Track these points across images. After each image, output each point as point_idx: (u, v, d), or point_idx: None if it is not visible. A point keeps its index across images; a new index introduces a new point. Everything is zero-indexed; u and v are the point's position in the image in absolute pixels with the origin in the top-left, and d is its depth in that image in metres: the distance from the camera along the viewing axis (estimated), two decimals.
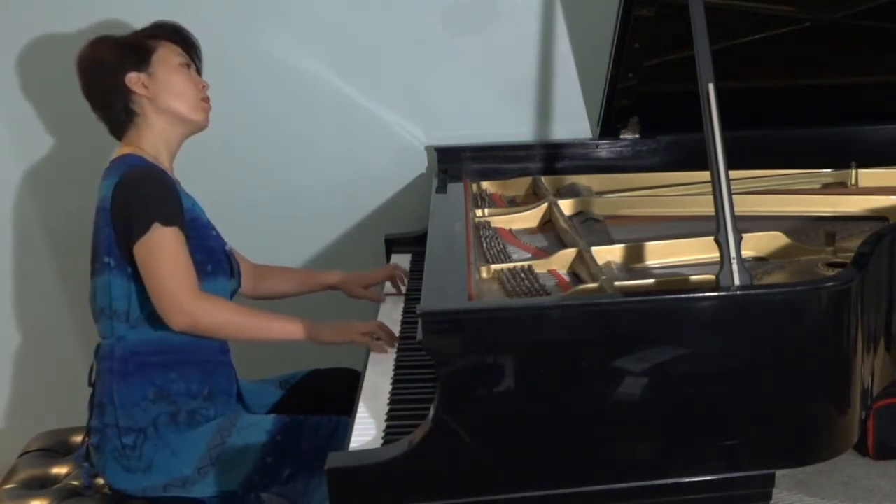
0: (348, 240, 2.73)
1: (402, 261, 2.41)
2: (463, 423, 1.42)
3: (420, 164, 2.68)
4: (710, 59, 1.58)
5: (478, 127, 2.63)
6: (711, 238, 1.54)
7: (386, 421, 1.61)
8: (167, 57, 1.95)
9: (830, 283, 1.52)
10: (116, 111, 1.92)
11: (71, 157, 2.62)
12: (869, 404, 1.63)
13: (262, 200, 2.68)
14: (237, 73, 2.52)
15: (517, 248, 2.04)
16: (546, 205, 2.21)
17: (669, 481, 1.48)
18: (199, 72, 2.03)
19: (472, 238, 1.92)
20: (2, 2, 2.54)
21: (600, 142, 2.56)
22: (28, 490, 1.97)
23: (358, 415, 1.64)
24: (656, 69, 2.37)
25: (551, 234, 2.14)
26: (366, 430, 1.58)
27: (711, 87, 1.56)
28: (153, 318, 1.86)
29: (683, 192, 2.30)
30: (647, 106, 2.49)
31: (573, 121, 2.65)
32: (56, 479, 2.01)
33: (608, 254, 1.87)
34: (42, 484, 2.00)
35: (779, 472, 1.52)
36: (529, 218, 2.21)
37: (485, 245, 2.01)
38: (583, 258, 1.83)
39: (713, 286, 1.51)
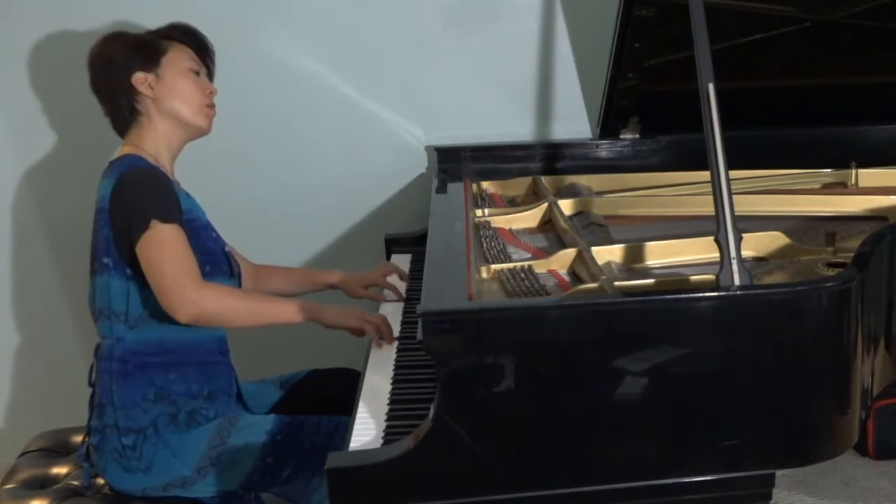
0: (348, 240, 2.73)
1: (402, 261, 2.40)
2: (463, 423, 1.42)
3: (420, 164, 2.68)
4: (710, 59, 1.58)
5: (478, 127, 2.63)
6: (711, 238, 1.54)
7: (386, 421, 1.61)
8: (177, 59, 1.95)
9: (830, 283, 1.52)
10: (121, 109, 1.92)
11: (71, 156, 2.62)
12: (869, 404, 1.63)
13: (262, 200, 2.68)
14: (237, 73, 2.52)
15: (517, 248, 2.04)
16: (546, 205, 2.21)
17: (669, 481, 1.48)
18: (210, 76, 2.03)
19: (472, 238, 1.92)
20: (3, 2, 2.54)
21: (600, 142, 2.56)
22: (28, 490, 1.96)
23: (358, 415, 1.64)
24: (656, 69, 2.37)
25: (551, 234, 2.14)
26: (366, 430, 1.58)
27: (711, 87, 1.56)
28: (152, 318, 1.86)
29: (683, 192, 2.29)
30: (647, 106, 2.49)
31: (573, 121, 2.65)
32: (56, 479, 2.01)
33: (608, 254, 1.87)
34: (42, 484, 2.00)
35: (779, 472, 1.52)
36: (529, 218, 2.21)
37: (485, 245, 2.01)
38: (583, 258, 1.83)
39: (713, 286, 1.51)
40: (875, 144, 2.52)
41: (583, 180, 2.45)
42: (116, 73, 1.91)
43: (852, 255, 1.63)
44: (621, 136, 2.56)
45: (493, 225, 2.16)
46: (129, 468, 1.85)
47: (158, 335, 1.87)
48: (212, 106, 1.99)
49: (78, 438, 2.11)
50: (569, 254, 1.88)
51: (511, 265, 1.86)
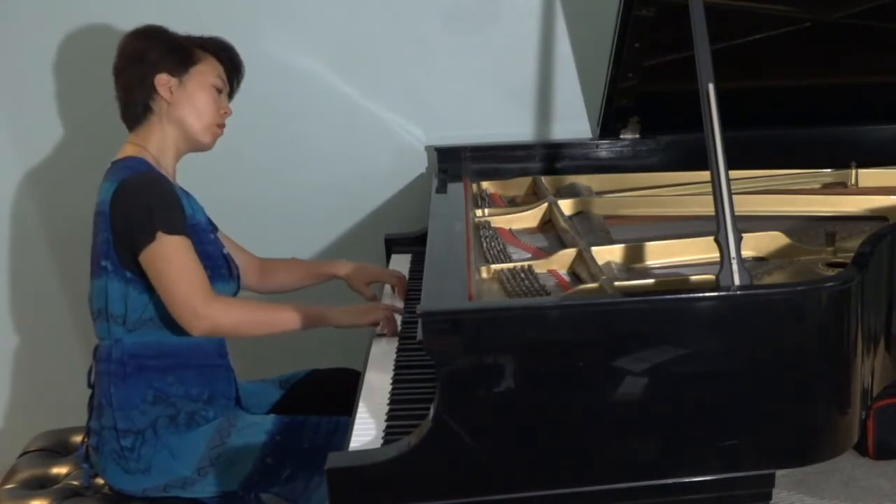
0: (348, 240, 2.73)
1: (402, 261, 2.41)
2: (463, 423, 1.42)
3: (420, 164, 2.68)
4: (710, 59, 1.58)
5: (478, 127, 2.63)
6: (711, 238, 1.54)
7: (386, 421, 1.61)
8: (205, 72, 1.95)
9: (830, 283, 1.52)
10: (135, 102, 1.92)
11: (72, 156, 2.62)
12: (869, 404, 1.63)
13: (262, 200, 2.68)
14: None
15: (517, 248, 2.04)
16: (546, 205, 2.21)
17: (669, 481, 1.48)
18: (230, 95, 2.03)
19: (472, 238, 1.92)
20: (3, 2, 2.54)
21: (600, 142, 2.56)
22: (28, 490, 1.96)
23: (358, 415, 1.64)
24: (656, 69, 2.37)
25: (551, 234, 2.14)
26: (366, 430, 1.58)
27: (711, 87, 1.56)
28: (150, 322, 1.86)
29: (683, 192, 2.29)
30: (647, 106, 2.49)
31: (573, 121, 2.65)
32: (56, 479, 2.01)
33: (608, 254, 1.87)
34: (42, 484, 2.00)
35: (779, 472, 1.52)
36: (529, 218, 2.21)
37: (485, 245, 2.01)
38: (583, 258, 1.83)
39: (713, 286, 1.51)
40: (875, 144, 2.52)
41: (583, 180, 2.45)
42: (143, 68, 1.90)
43: (852, 255, 1.63)
44: (621, 136, 2.56)
45: (493, 225, 2.16)
46: (128, 469, 1.85)
47: (156, 339, 1.87)
48: (221, 126, 1.99)
49: (78, 438, 2.11)
50: (569, 254, 1.88)
51: (511, 265, 1.86)
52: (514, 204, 2.41)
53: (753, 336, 1.47)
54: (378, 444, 1.53)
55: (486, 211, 2.24)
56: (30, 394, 2.81)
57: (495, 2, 2.58)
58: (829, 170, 2.41)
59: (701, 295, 1.50)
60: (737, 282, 1.49)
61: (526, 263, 1.86)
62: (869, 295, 1.57)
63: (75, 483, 1.97)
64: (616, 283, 1.66)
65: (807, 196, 2.25)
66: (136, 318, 1.86)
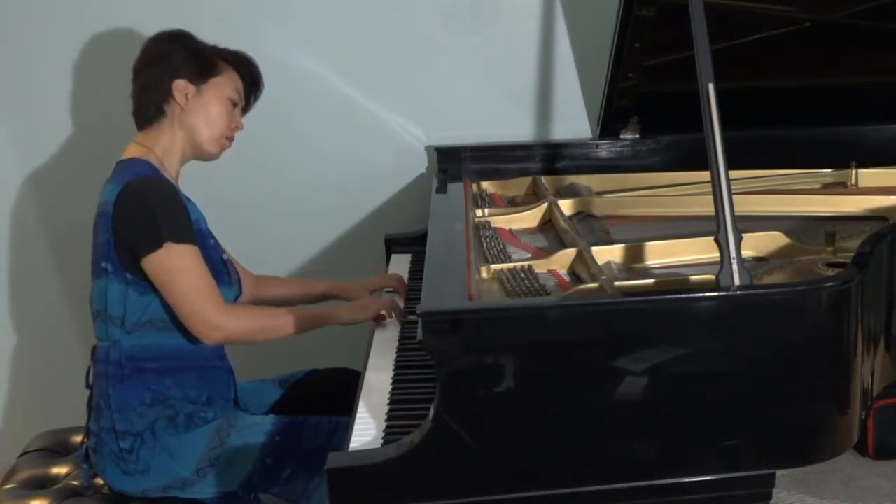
0: (348, 240, 2.73)
1: (402, 261, 2.41)
2: (463, 424, 1.42)
3: (420, 164, 2.68)
4: (710, 59, 1.58)
5: (478, 127, 2.63)
6: (711, 238, 1.54)
7: (386, 421, 1.61)
8: (224, 84, 1.95)
9: (830, 283, 1.52)
10: (149, 102, 1.92)
11: (72, 157, 2.62)
12: (869, 404, 1.63)
13: (262, 200, 2.68)
14: None
15: (517, 248, 2.04)
16: (546, 205, 2.21)
17: (669, 481, 1.48)
18: (245, 110, 2.03)
19: (472, 238, 1.92)
20: (3, 2, 2.54)
21: (600, 142, 2.56)
22: (28, 490, 1.96)
23: (358, 415, 1.64)
24: (656, 69, 2.37)
25: (551, 234, 2.14)
26: (366, 430, 1.58)
27: (711, 87, 1.56)
28: (148, 324, 1.86)
29: (683, 192, 2.29)
30: (647, 106, 2.48)
31: (573, 121, 2.65)
32: (56, 479, 2.01)
33: (608, 254, 1.87)
34: (42, 484, 2.00)
35: (779, 472, 1.52)
36: (529, 218, 2.21)
37: (485, 245, 2.01)
38: (583, 258, 1.83)
39: (713, 286, 1.51)
40: (875, 144, 2.52)
41: (583, 180, 2.45)
42: (163, 70, 1.90)
43: (852, 255, 1.63)
44: (621, 136, 2.56)
45: (493, 225, 2.16)
46: (126, 470, 1.85)
47: (155, 341, 1.87)
48: (231, 139, 1.99)
49: (77, 438, 2.11)
50: (569, 254, 1.88)
51: (511, 265, 1.86)
52: (514, 204, 2.41)
53: (753, 336, 1.47)
54: (378, 444, 1.53)
55: (486, 211, 2.24)
56: (30, 394, 2.81)
57: (495, 2, 2.58)
58: (829, 170, 2.41)
59: (701, 295, 1.50)
60: (737, 282, 1.49)
61: (526, 263, 1.86)
62: (869, 295, 1.57)
63: (75, 483, 1.97)
64: (616, 283, 1.66)
65: (807, 196, 2.25)
66: (134, 321, 1.86)
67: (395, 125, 2.66)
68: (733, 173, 1.58)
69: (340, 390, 2.01)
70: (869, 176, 2.35)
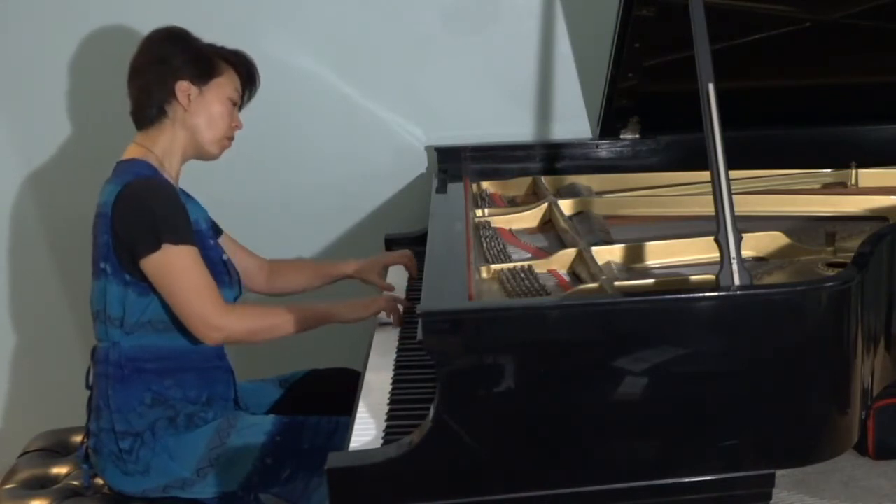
0: (348, 240, 2.73)
1: None
2: (463, 424, 1.42)
3: (420, 164, 2.68)
4: (710, 59, 1.58)
5: (478, 127, 2.63)
6: (711, 238, 1.54)
7: (386, 421, 1.61)
8: (224, 85, 1.95)
9: (830, 283, 1.52)
10: (151, 103, 1.91)
11: (72, 157, 2.62)
12: (869, 404, 1.63)
13: (262, 200, 2.68)
14: None
15: (517, 248, 2.04)
16: (546, 205, 2.21)
17: (669, 481, 1.48)
18: (240, 108, 2.03)
19: (472, 238, 1.92)
20: (3, 2, 2.54)
21: (600, 142, 2.56)
22: (28, 490, 1.96)
23: (358, 415, 1.64)
24: (656, 69, 2.37)
25: (551, 234, 2.14)
26: (366, 430, 1.58)
27: (711, 87, 1.56)
28: (147, 325, 1.86)
29: (683, 192, 2.29)
30: (647, 106, 2.48)
31: (573, 121, 2.65)
32: (56, 479, 2.01)
33: (608, 254, 1.87)
34: (42, 484, 2.00)
35: (779, 472, 1.52)
36: (529, 218, 2.21)
37: (485, 245, 2.01)
38: (583, 258, 1.83)
39: (713, 286, 1.51)
40: (875, 144, 2.52)
41: (583, 180, 2.45)
42: (165, 71, 1.90)
43: (852, 255, 1.63)
44: (621, 136, 2.56)
45: (493, 225, 2.16)
46: (126, 471, 1.85)
47: (154, 342, 1.86)
48: (231, 139, 1.99)
49: (77, 438, 2.11)
50: (569, 254, 1.88)
51: (511, 265, 1.86)
52: (514, 204, 2.41)
53: (753, 336, 1.47)
54: (378, 444, 1.53)
55: (486, 211, 2.24)
56: (30, 394, 2.81)
57: (495, 2, 2.58)
58: (829, 170, 2.41)
59: (701, 295, 1.50)
60: (737, 282, 1.49)
61: (526, 263, 1.86)
62: (869, 295, 1.57)
63: (75, 483, 1.97)
64: (616, 283, 1.66)
65: (807, 196, 2.25)
66: (133, 322, 1.85)
67: (395, 125, 2.66)
68: (733, 173, 1.58)
69: (340, 390, 2.01)
70: (869, 176, 2.35)
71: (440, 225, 2.02)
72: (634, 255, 1.88)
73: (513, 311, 1.46)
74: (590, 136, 2.63)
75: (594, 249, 1.84)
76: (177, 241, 1.79)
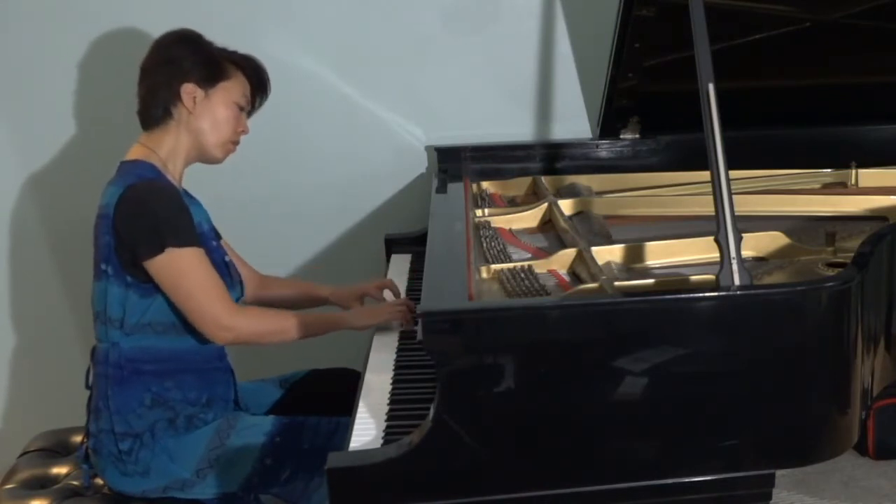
0: (348, 240, 2.73)
1: (402, 261, 2.41)
2: (463, 424, 1.42)
3: (420, 164, 2.68)
4: (710, 59, 1.58)
5: (478, 127, 2.63)
6: (711, 238, 1.54)
7: (386, 421, 1.61)
8: (232, 89, 1.94)
9: (830, 283, 1.52)
10: (157, 104, 1.90)
11: (73, 157, 2.62)
12: (869, 404, 1.63)
13: (262, 200, 2.68)
14: None
15: (517, 248, 2.04)
16: (546, 205, 2.21)
17: (669, 481, 1.48)
18: (250, 113, 2.03)
19: (472, 238, 1.92)
20: (3, 2, 2.54)
21: (600, 142, 2.56)
22: (28, 490, 1.96)
23: (358, 415, 1.64)
24: (656, 69, 2.37)
25: (551, 234, 2.14)
26: (366, 430, 1.58)
27: (711, 87, 1.56)
28: (147, 327, 1.85)
29: (683, 192, 2.29)
30: (647, 106, 2.48)
31: (573, 121, 2.65)
32: (56, 479, 2.01)
33: (608, 254, 1.87)
34: (42, 484, 2.00)
35: (779, 472, 1.52)
36: (529, 218, 2.21)
37: (485, 245, 2.01)
38: (583, 258, 1.83)
39: (713, 286, 1.51)
40: (875, 144, 2.52)
41: (583, 180, 2.45)
42: (172, 73, 1.89)
43: (852, 255, 1.63)
44: (621, 136, 2.56)
45: (493, 225, 2.16)
46: (126, 472, 1.85)
47: (154, 343, 1.86)
48: (236, 143, 1.99)
49: (77, 438, 2.11)
50: (569, 254, 1.88)
51: (511, 265, 1.86)
52: (514, 204, 2.41)
53: (753, 336, 1.47)
54: (378, 444, 1.53)
55: (486, 211, 2.24)
56: (30, 394, 2.81)
57: (495, 2, 2.58)
58: (829, 170, 2.41)
59: (701, 295, 1.50)
60: (737, 282, 1.49)
61: (526, 263, 1.86)
62: (869, 295, 1.57)
63: (75, 483, 1.97)
64: (616, 283, 1.66)
65: (807, 196, 2.25)
66: (133, 323, 1.85)
67: (395, 125, 2.66)
68: (733, 173, 1.58)
69: (340, 390, 2.01)
70: (869, 176, 2.35)
71: (440, 225, 2.02)
72: (634, 255, 1.88)
73: (513, 311, 1.46)
74: (590, 136, 2.63)
75: (594, 249, 1.84)
76: (180, 243, 1.79)
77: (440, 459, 1.43)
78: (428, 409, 1.44)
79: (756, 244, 1.90)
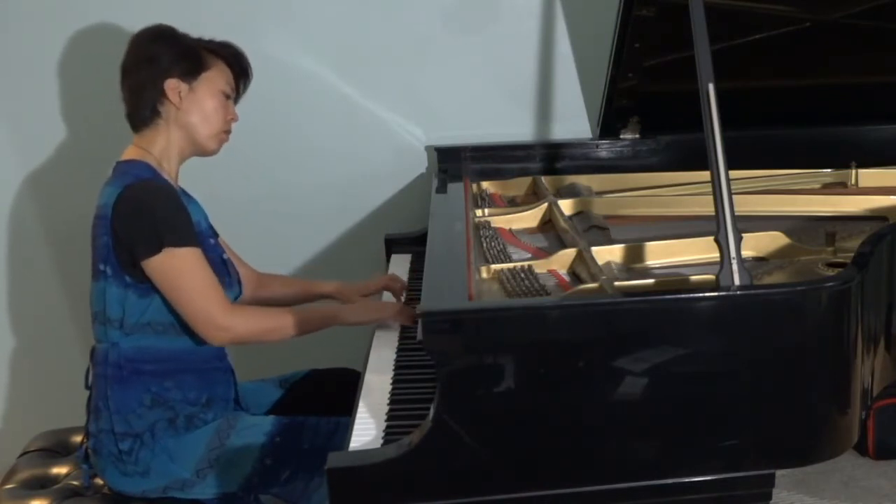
0: (348, 240, 2.73)
1: (402, 261, 2.41)
2: (463, 424, 1.42)
3: (420, 164, 2.68)
4: (710, 59, 1.58)
5: (478, 127, 2.63)
6: (711, 238, 1.54)
7: (386, 421, 1.61)
8: (215, 78, 1.94)
9: (830, 283, 1.52)
10: (144, 105, 1.90)
11: (72, 157, 2.62)
12: (869, 404, 1.63)
13: (262, 200, 2.68)
14: None
15: (517, 248, 2.04)
16: (546, 205, 2.21)
17: (669, 481, 1.48)
18: (236, 100, 2.02)
19: (472, 238, 1.92)
20: (3, 2, 2.54)
21: (600, 142, 2.56)
22: (28, 490, 1.96)
23: (358, 415, 1.64)
24: (656, 69, 2.37)
25: (551, 234, 2.14)
26: (366, 430, 1.58)
27: (711, 87, 1.56)
28: (146, 327, 1.85)
29: (683, 192, 2.29)
30: (647, 106, 2.49)
31: (573, 121, 2.65)
32: (56, 479, 2.01)
33: (608, 254, 1.87)
34: (42, 484, 2.00)
35: (779, 472, 1.52)
36: (529, 218, 2.21)
37: (485, 245, 2.01)
38: (583, 258, 1.83)
39: (713, 286, 1.51)
40: (875, 144, 2.52)
41: (583, 180, 2.45)
42: (153, 71, 1.89)
43: (852, 255, 1.63)
44: (621, 136, 2.56)
45: (493, 225, 2.16)
46: (126, 472, 1.85)
47: (153, 343, 1.86)
48: (228, 132, 1.98)
49: (77, 438, 2.11)
50: (569, 254, 1.88)
51: (511, 265, 1.86)
52: (514, 204, 2.41)
53: (753, 336, 1.47)
54: (378, 444, 1.53)
55: (486, 211, 2.24)
56: (30, 394, 2.81)
57: (495, 2, 2.58)
58: (829, 170, 2.41)
59: (701, 295, 1.50)
60: (737, 282, 1.49)
61: (526, 263, 1.86)
62: (869, 295, 1.57)
63: (75, 483, 1.97)
64: (616, 283, 1.66)
65: (807, 196, 2.25)
66: (132, 323, 1.85)
67: (395, 125, 2.66)
68: (733, 173, 1.58)
69: (340, 390, 2.01)
70: (869, 176, 2.35)
71: (440, 225, 2.01)
72: (634, 255, 1.88)
73: (513, 311, 1.46)
74: (590, 136, 2.63)
75: (594, 249, 1.84)
76: (179, 243, 1.79)
77: (440, 459, 1.43)
78: (428, 409, 1.44)
79: (756, 244, 1.90)
